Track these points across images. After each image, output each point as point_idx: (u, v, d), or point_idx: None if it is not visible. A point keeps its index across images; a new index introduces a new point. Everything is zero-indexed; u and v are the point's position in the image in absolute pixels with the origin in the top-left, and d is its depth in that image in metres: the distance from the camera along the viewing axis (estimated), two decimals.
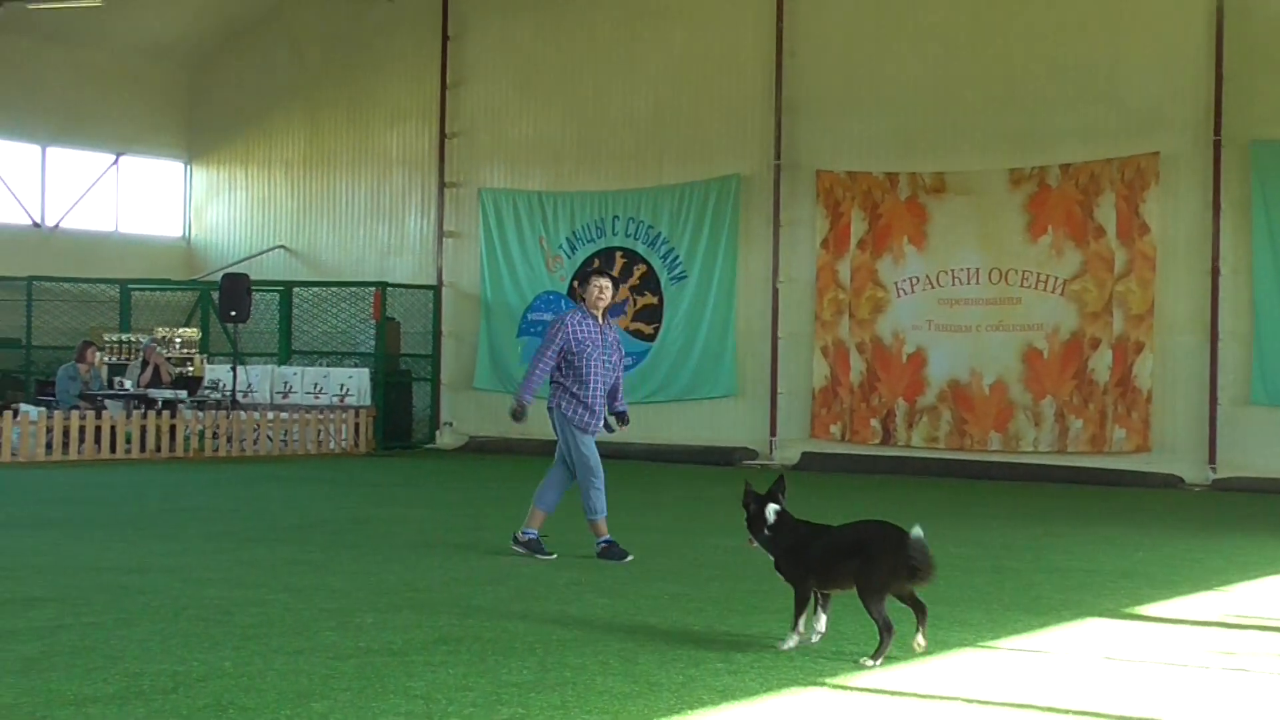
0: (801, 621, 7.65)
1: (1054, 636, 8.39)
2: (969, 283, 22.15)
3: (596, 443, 11.71)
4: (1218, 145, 20.37)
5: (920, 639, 7.40)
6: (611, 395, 11.67)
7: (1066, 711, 6.49)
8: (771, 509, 7.89)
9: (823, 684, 6.95)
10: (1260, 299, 20.22)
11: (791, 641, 7.63)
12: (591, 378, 11.45)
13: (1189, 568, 11.77)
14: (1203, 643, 8.34)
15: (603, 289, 11.58)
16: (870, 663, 7.25)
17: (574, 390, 11.49)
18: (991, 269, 22.00)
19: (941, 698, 6.73)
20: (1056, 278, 21.49)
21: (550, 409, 11.79)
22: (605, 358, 11.52)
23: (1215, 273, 20.43)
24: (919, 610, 7.45)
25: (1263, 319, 20.19)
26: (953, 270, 22.27)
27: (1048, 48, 21.65)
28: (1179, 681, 7.21)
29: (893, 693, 6.82)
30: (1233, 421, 20.35)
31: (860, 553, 7.51)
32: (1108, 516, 15.99)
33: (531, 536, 11.57)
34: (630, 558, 11.25)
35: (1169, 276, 20.82)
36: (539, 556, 11.35)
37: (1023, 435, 21.66)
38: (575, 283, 25.46)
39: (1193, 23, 20.62)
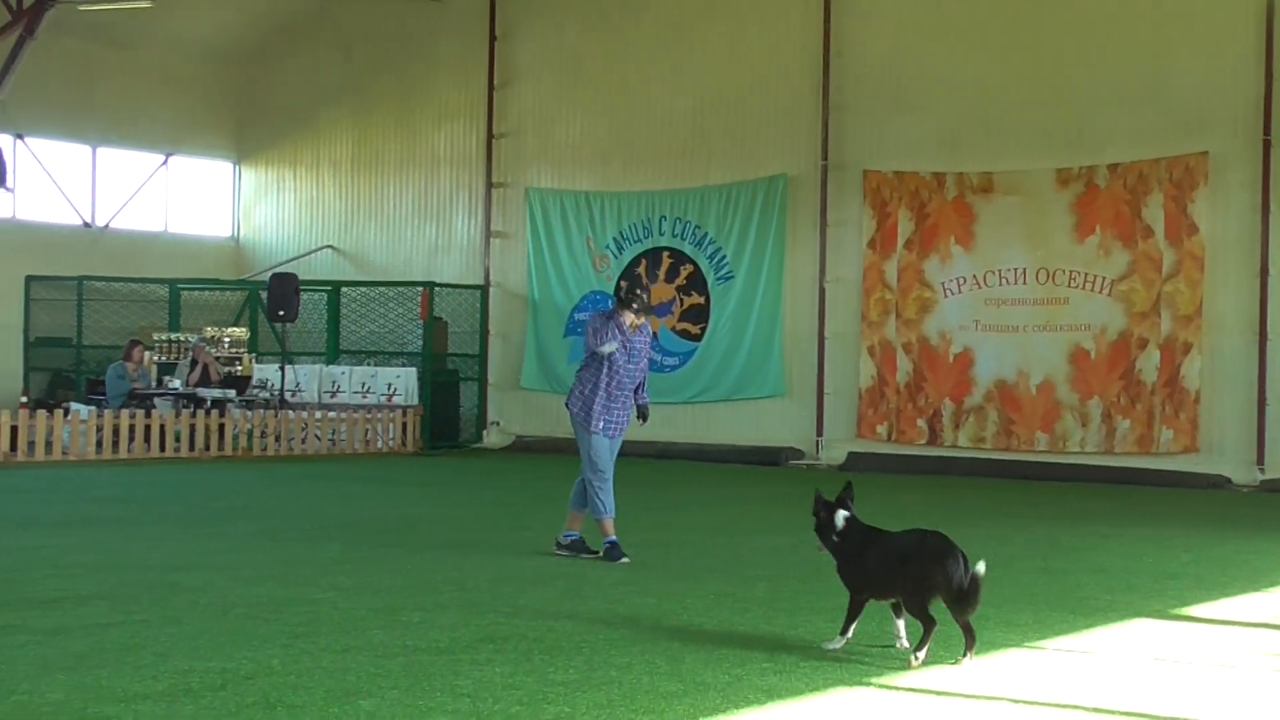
0: (852, 627, 7.67)
1: (1101, 637, 8.37)
2: (1016, 283, 22.06)
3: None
4: (1267, 145, 20.24)
5: (967, 657, 7.41)
6: (635, 390, 11.67)
7: (1113, 713, 6.48)
8: (841, 515, 7.90)
9: (869, 684, 6.96)
10: None
11: (837, 644, 7.64)
12: (612, 382, 11.48)
13: (1237, 569, 11.71)
14: (1251, 644, 8.30)
15: (632, 323, 11.48)
16: (916, 657, 7.29)
17: (600, 395, 11.49)
18: (1039, 269, 21.89)
19: (987, 698, 6.73)
20: (1104, 278, 21.37)
21: (567, 406, 11.79)
22: (628, 366, 11.52)
23: (1264, 273, 20.29)
24: (970, 634, 7.44)
25: None
26: (1000, 270, 22.18)
27: (1094, 46, 21.53)
28: (1227, 683, 7.18)
29: (939, 692, 6.82)
30: None
31: (911, 561, 7.54)
32: (1155, 517, 15.89)
33: (574, 538, 11.60)
34: (627, 560, 11.20)
35: (1217, 277, 20.68)
36: (584, 556, 11.36)
37: (1070, 436, 21.55)
38: (622, 283, 25.51)
39: (1242, 21, 20.48)
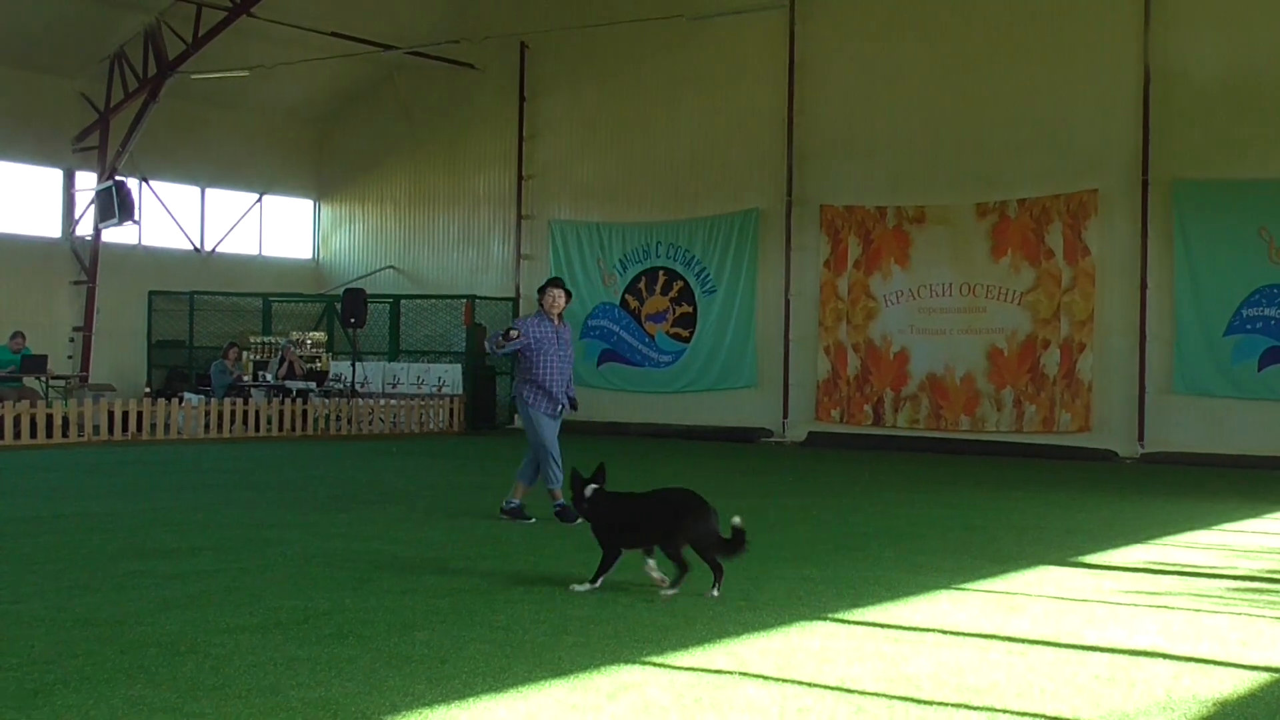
0: (602, 577, 7.61)
1: (1013, 581, 8.35)
2: (943, 295, 22.08)
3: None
4: (1145, 184, 20.26)
5: (714, 592, 7.40)
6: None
7: (1024, 640, 6.47)
8: (590, 488, 7.84)
9: (826, 618, 6.94)
10: (1180, 309, 20.05)
11: (585, 587, 7.55)
12: (548, 370, 11.09)
13: (1122, 525, 11.70)
14: (1133, 584, 8.29)
15: (556, 298, 11.23)
16: (669, 592, 7.38)
17: (536, 380, 11.11)
18: (962, 284, 21.91)
19: (923, 629, 6.72)
20: (1015, 290, 21.39)
21: (515, 398, 11.49)
22: (560, 353, 11.16)
23: (1144, 287, 20.29)
24: (718, 571, 7.46)
25: (1182, 325, 20.03)
26: (930, 285, 22.21)
27: (1007, 105, 21.54)
28: (1114, 615, 7.17)
29: (883, 625, 6.80)
30: (1157, 407, 20.21)
31: (667, 516, 7.53)
32: (1056, 484, 15.90)
33: (515, 505, 11.22)
34: (580, 520, 10.85)
35: (1106, 290, 20.70)
36: (520, 522, 11.05)
37: (987, 418, 21.56)
38: (630, 294, 25.52)
39: (1125, 84, 20.49)
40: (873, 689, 5.46)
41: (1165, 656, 6.16)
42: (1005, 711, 5.16)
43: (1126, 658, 6.12)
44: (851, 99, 23.16)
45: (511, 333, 10.97)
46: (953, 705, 5.22)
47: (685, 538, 7.44)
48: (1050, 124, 21.14)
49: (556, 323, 11.24)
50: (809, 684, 5.53)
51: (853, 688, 5.48)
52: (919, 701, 5.27)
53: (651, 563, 7.65)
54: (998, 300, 21.59)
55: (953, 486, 15.42)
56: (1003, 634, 6.59)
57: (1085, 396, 20.71)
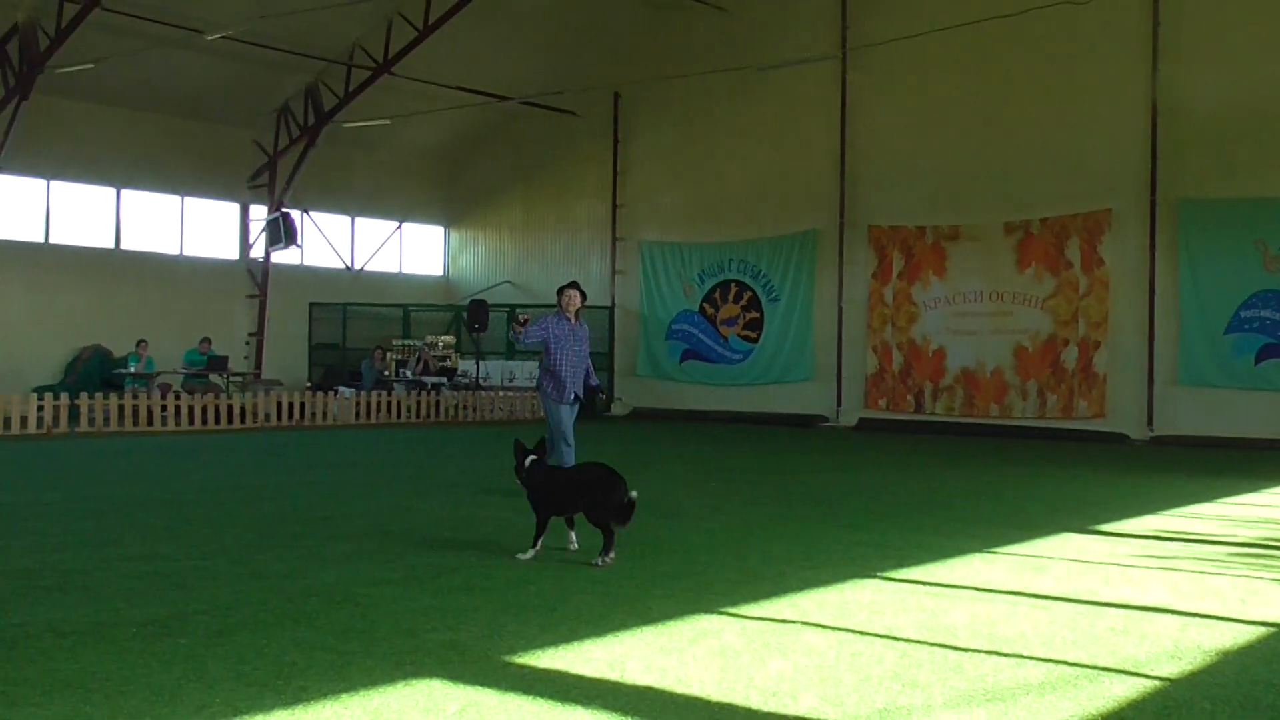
0: (540, 540, 7.32)
1: (1038, 545, 8.20)
2: (976, 301, 21.77)
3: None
4: (1153, 203, 19.82)
5: (604, 559, 7.06)
6: (586, 375, 10.79)
7: (1047, 596, 6.35)
8: (530, 459, 7.55)
9: (875, 576, 6.86)
10: (1184, 311, 19.59)
11: (529, 554, 7.25)
12: (563, 364, 10.54)
13: (1134, 498, 11.44)
14: (1143, 549, 8.10)
15: (572, 298, 10.69)
16: (605, 560, 6.95)
17: (552, 371, 10.58)
18: (991, 291, 21.58)
19: (959, 586, 6.62)
20: (1038, 296, 21.02)
21: (537, 389, 11.04)
22: (575, 348, 10.60)
23: (1152, 292, 19.84)
24: (609, 536, 7.12)
25: (1186, 325, 19.56)
26: (964, 293, 21.91)
27: (1030, 137, 21.17)
28: (1125, 576, 7.01)
29: (924, 582, 6.71)
30: (1165, 396, 19.74)
31: (586, 489, 7.22)
32: (1075, 462, 15.58)
33: None
34: None
35: (1119, 295, 20.27)
36: None
37: (1014, 406, 21.20)
38: (707, 302, 25.46)
39: (1135, 116, 20.05)
40: (915, 637, 5.39)
41: (1173, 612, 6.00)
42: (1031, 658, 5.06)
43: (1138, 613, 5.97)
44: (895, 134, 22.90)
45: (521, 316, 10.55)
46: (985, 652, 5.14)
47: (602, 508, 7.09)
48: (1068, 152, 20.74)
49: (574, 321, 10.70)
50: (861, 632, 5.47)
51: (898, 635, 5.41)
52: (955, 648, 5.19)
53: (572, 534, 7.38)
54: (1023, 305, 21.21)
55: (984, 464, 15.19)
56: (1028, 591, 6.47)
57: (1100, 387, 20.28)
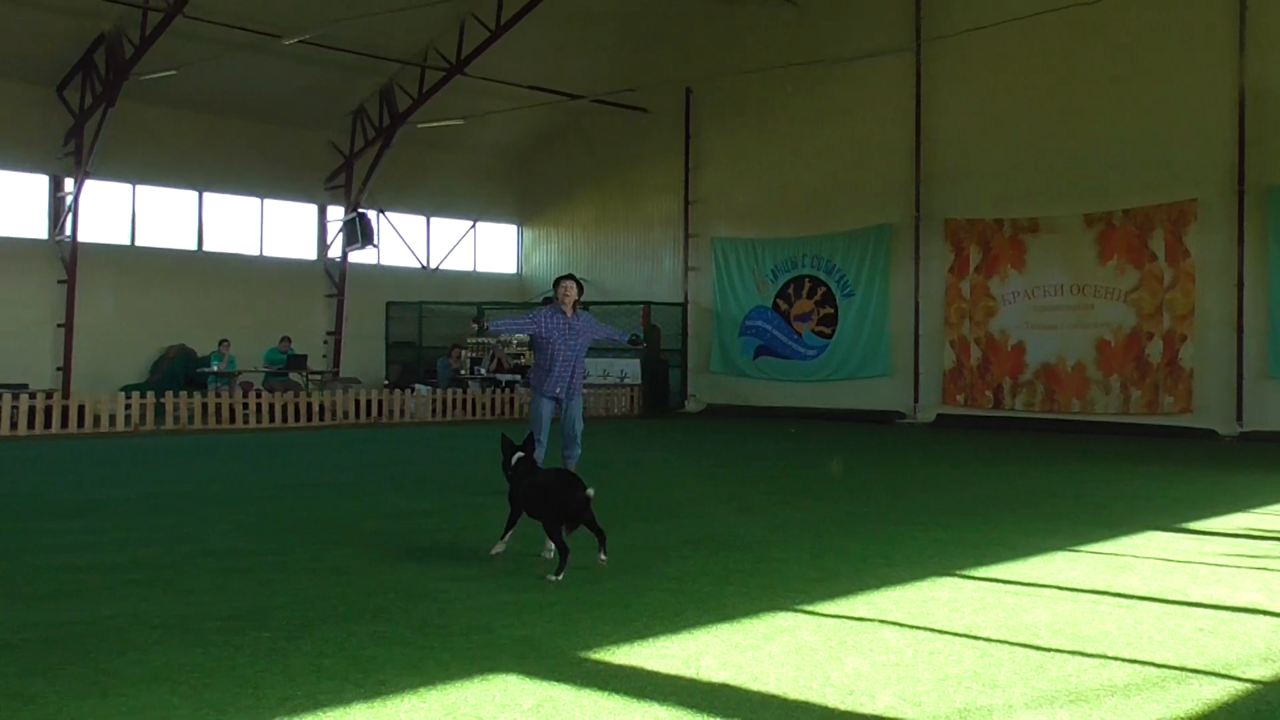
0: (510, 534, 7.04)
1: (1122, 543, 8.02)
2: (1055, 295, 21.39)
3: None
4: (1241, 193, 19.27)
5: (601, 557, 6.82)
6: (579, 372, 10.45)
7: (1132, 596, 6.20)
8: (517, 456, 7.24)
9: (953, 574, 6.77)
10: (1274, 303, 19.04)
11: (499, 548, 7.03)
12: (556, 358, 10.25)
13: (1221, 494, 11.14)
14: (1233, 548, 7.88)
15: (567, 289, 10.31)
16: (553, 578, 6.41)
17: (543, 366, 10.32)
18: (1072, 284, 21.18)
19: (1040, 584, 6.49)
20: (1120, 290, 20.58)
21: (528, 384, 10.79)
22: (568, 342, 10.25)
23: (1240, 285, 19.31)
24: (600, 536, 6.83)
25: (1276, 317, 19.02)
26: (1043, 286, 21.53)
27: (1112, 125, 20.71)
28: (1215, 575, 6.82)
29: (1004, 580, 6.60)
30: (1254, 390, 19.21)
31: (543, 494, 6.89)
32: (1160, 459, 15.23)
33: None
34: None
35: (1204, 288, 19.75)
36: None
37: (1096, 401, 20.79)
38: (781, 298, 25.35)
39: (1220, 102, 19.51)
40: (995, 636, 5.30)
41: (1265, 613, 5.83)
42: (1116, 659, 4.95)
43: (1228, 613, 5.81)
44: (971, 125, 22.58)
45: (484, 322, 10.29)
46: (1068, 652, 5.04)
47: (556, 510, 6.74)
48: (1151, 141, 20.26)
49: (570, 313, 10.31)
50: (939, 630, 5.39)
51: (977, 634, 5.33)
52: (1037, 648, 5.10)
53: (549, 543, 6.93)
54: (1105, 299, 20.79)
55: (1065, 461, 14.90)
56: (1112, 590, 6.33)
57: (1187, 382, 19.79)
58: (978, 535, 8.25)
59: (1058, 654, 5.00)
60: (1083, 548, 7.77)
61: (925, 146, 23.10)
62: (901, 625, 5.48)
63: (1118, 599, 6.11)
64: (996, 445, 17.57)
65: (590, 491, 6.74)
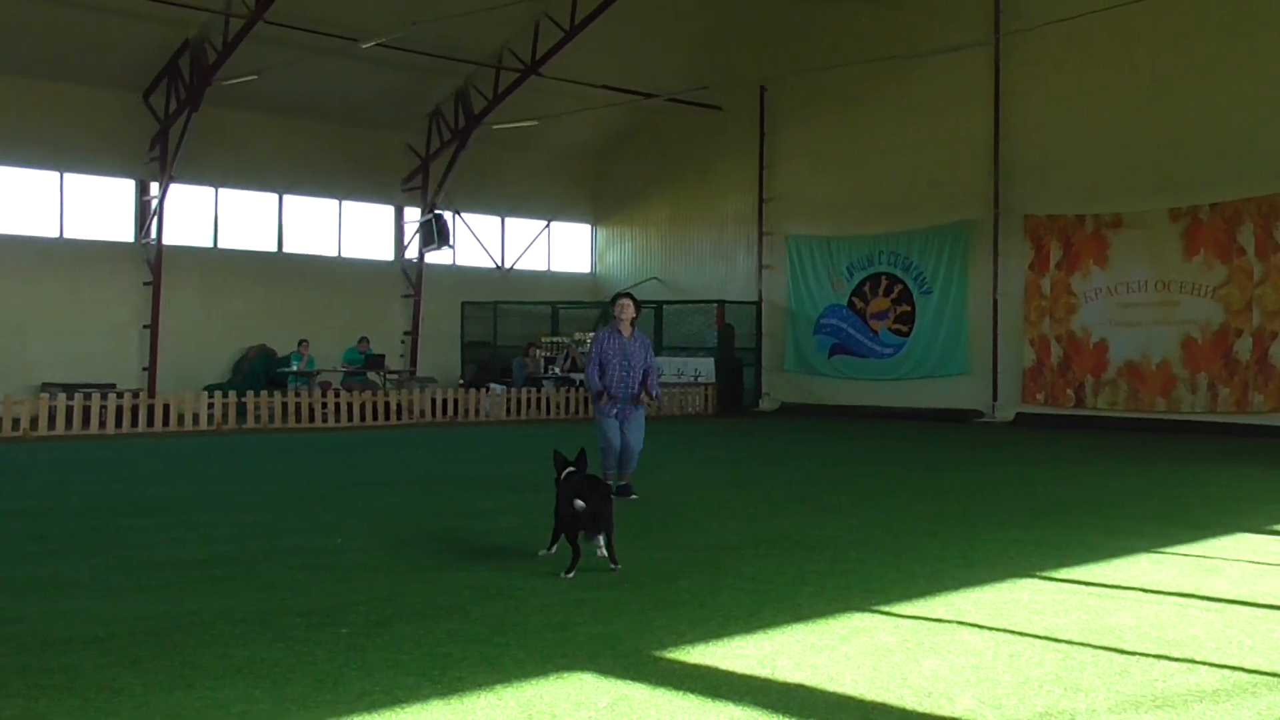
0: (555, 545, 7.01)
1: (1210, 545, 7.82)
2: (1139, 291, 20.94)
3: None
4: None
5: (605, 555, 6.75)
6: (643, 381, 10.31)
7: (1222, 599, 6.05)
8: (567, 471, 7.18)
9: (1033, 575, 6.66)
10: None
11: (546, 552, 7.01)
12: (611, 378, 10.16)
13: None
14: None
15: (623, 307, 10.29)
16: (565, 576, 6.47)
17: (603, 382, 10.24)
18: (1157, 281, 20.72)
19: (1123, 587, 6.37)
20: (1207, 285, 20.08)
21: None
22: (623, 363, 10.17)
23: None
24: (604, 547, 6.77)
25: None
26: (1127, 283, 21.10)
27: (1198, 117, 20.22)
28: None
29: (1085, 582, 6.48)
30: None
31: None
32: (1249, 459, 14.82)
33: (622, 485, 10.21)
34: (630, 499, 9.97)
35: None
36: (628, 498, 10.04)
37: (1183, 400, 20.30)
38: (857, 296, 25.13)
39: None
40: (1077, 639, 5.20)
41: None
42: (1204, 663, 4.83)
43: None
44: (1051, 120, 22.19)
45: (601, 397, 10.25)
46: (1153, 656, 4.92)
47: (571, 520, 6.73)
48: (1239, 134, 19.73)
49: (626, 332, 10.26)
50: (1019, 632, 5.31)
51: (1059, 637, 5.23)
52: (1121, 651, 4.99)
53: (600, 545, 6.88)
54: (1191, 295, 20.30)
55: (1150, 461, 14.57)
56: (1200, 593, 6.18)
57: (1278, 379, 19.24)
58: (1059, 536, 8.11)
59: (1143, 658, 4.89)
60: (1168, 550, 7.60)
61: (1004, 142, 22.75)
62: (980, 627, 5.41)
63: (1206, 602, 5.96)
64: (1078, 444, 17.24)
65: (578, 503, 6.65)
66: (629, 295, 10.61)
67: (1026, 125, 22.53)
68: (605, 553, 6.77)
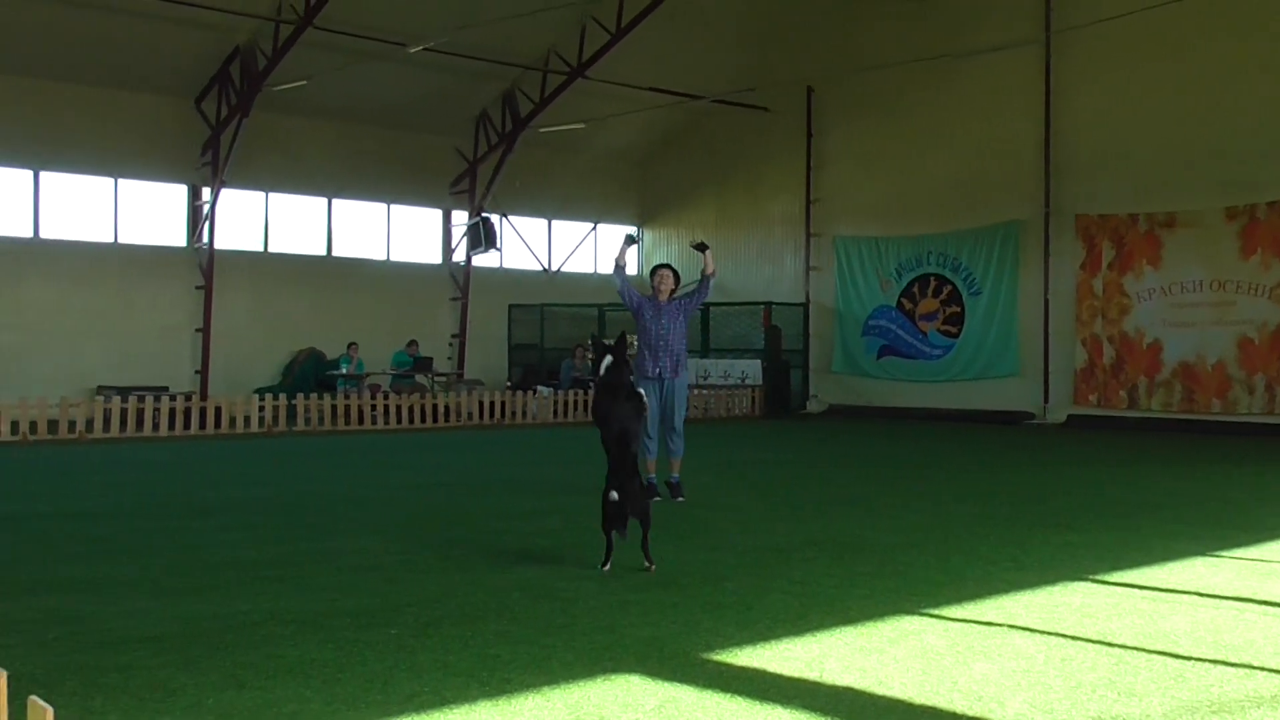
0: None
1: (1269, 549, 7.69)
2: (1194, 291, 20.64)
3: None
4: None
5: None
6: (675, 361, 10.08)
7: (1278, 604, 5.93)
8: (607, 360, 6.94)
9: (1086, 578, 6.58)
10: None
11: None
12: (649, 334, 10.03)
13: None
14: None
15: (663, 277, 10.10)
16: (602, 569, 6.59)
17: (640, 349, 10.13)
18: (1212, 280, 20.41)
19: (1179, 591, 6.27)
20: (1264, 285, 19.76)
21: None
22: (655, 320, 9.98)
23: None
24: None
25: None
26: (1181, 283, 20.79)
27: (1253, 114, 19.90)
28: None
29: (1140, 586, 6.39)
30: None
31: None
32: None
33: (649, 480, 9.88)
34: (657, 498, 9.64)
35: None
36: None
37: (1239, 401, 19.99)
38: (905, 297, 24.98)
39: None
40: (1131, 643, 5.13)
41: None
42: (1262, 669, 4.74)
43: None
44: (1103, 117, 21.92)
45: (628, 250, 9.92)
46: (1209, 661, 4.84)
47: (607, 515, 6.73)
48: None
49: (663, 298, 10.11)
50: (1071, 636, 5.24)
51: (1112, 641, 5.16)
52: (1176, 656, 4.92)
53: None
54: (1248, 295, 19.97)
55: (1206, 463, 14.33)
56: (1258, 597, 6.07)
57: None
58: (1112, 539, 8.00)
59: (1199, 663, 4.81)
60: (1225, 553, 7.47)
61: (1055, 141, 22.51)
62: (1032, 630, 5.35)
63: (1264, 607, 5.86)
64: (1131, 446, 17.00)
65: (614, 495, 6.67)
66: (669, 266, 10.39)
67: (1077, 123, 22.27)
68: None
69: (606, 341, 7.21)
